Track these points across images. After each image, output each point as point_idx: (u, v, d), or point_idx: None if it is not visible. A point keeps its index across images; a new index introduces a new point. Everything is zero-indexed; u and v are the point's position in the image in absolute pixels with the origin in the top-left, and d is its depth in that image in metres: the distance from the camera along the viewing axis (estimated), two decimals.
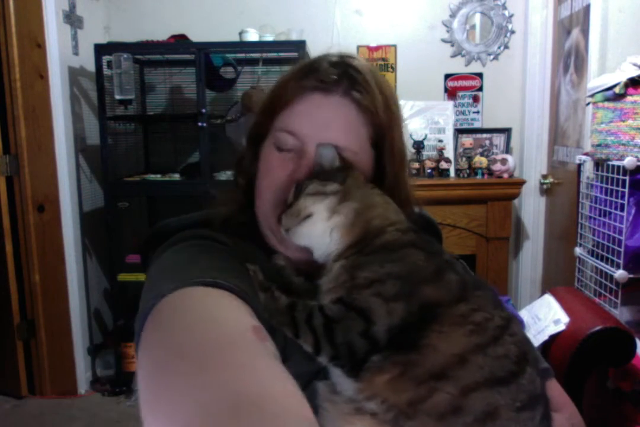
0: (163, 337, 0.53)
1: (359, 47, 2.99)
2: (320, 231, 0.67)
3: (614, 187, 1.83)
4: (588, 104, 2.11)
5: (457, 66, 3.00)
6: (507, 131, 2.94)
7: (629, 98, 1.78)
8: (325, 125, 0.72)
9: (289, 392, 0.47)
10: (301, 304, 0.61)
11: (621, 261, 1.77)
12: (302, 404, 0.46)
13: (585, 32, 2.26)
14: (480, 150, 2.90)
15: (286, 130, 0.73)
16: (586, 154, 2.08)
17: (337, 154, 0.70)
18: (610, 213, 1.88)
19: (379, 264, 0.62)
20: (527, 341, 0.63)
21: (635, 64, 1.79)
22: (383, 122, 0.74)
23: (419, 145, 2.79)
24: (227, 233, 0.77)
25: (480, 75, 2.99)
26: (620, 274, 1.77)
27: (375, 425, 0.55)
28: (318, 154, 0.70)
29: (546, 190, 2.87)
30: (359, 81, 0.73)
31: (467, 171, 2.76)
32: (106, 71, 2.60)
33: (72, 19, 2.67)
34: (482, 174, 2.74)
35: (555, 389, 0.77)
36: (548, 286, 2.59)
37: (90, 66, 2.67)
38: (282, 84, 0.75)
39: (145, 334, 0.56)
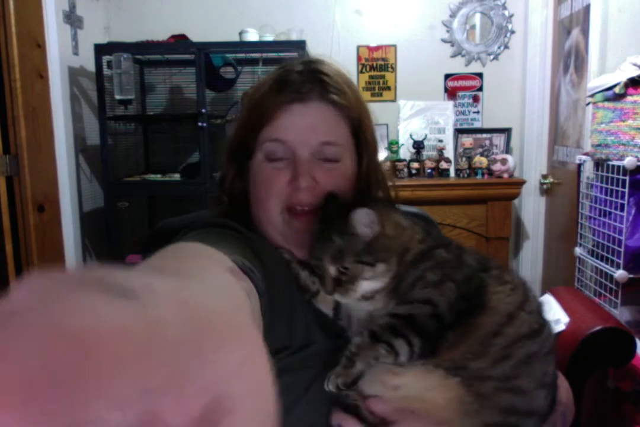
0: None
1: (359, 47, 2.99)
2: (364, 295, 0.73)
3: (614, 187, 1.83)
4: (588, 104, 2.11)
5: (457, 66, 3.00)
6: (507, 131, 2.94)
7: (629, 98, 1.78)
8: (310, 129, 0.77)
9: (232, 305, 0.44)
10: (376, 326, 0.66)
11: (621, 261, 1.77)
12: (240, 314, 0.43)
13: (585, 32, 2.26)
14: (480, 150, 2.90)
15: (274, 139, 0.77)
16: (586, 154, 2.08)
17: (374, 218, 0.70)
18: (610, 213, 1.88)
19: (413, 269, 0.70)
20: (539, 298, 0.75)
21: (635, 64, 1.79)
22: (357, 115, 0.81)
23: (419, 145, 2.79)
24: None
25: (480, 75, 2.99)
26: (620, 274, 1.76)
27: (426, 372, 0.65)
28: (354, 220, 0.69)
29: (546, 190, 2.87)
30: (330, 83, 0.79)
31: (467, 171, 2.76)
32: (106, 71, 2.60)
33: (72, 19, 2.67)
34: (482, 174, 2.74)
35: None
36: (548, 286, 2.59)
37: (90, 66, 2.67)
38: (259, 102, 0.79)
39: None
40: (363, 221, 0.68)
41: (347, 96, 0.79)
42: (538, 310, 0.71)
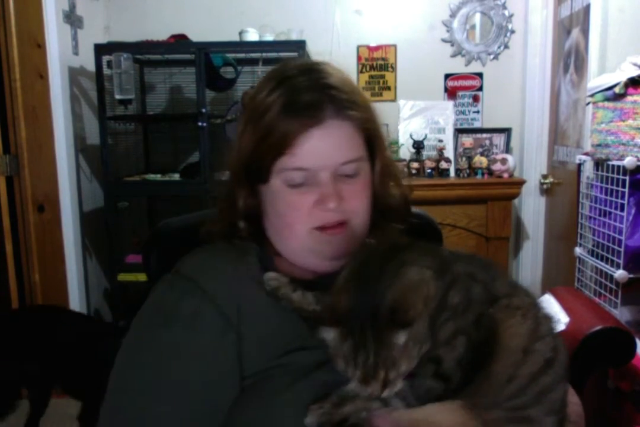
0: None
1: (359, 47, 2.99)
2: None
3: (614, 187, 1.83)
4: (588, 104, 2.11)
5: (457, 66, 3.00)
6: (507, 131, 2.94)
7: (629, 98, 1.78)
8: (330, 152, 0.75)
9: None
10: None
11: (621, 261, 1.77)
12: None
13: (585, 32, 2.26)
14: (480, 150, 2.90)
15: (296, 169, 0.75)
16: (586, 154, 2.08)
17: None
18: (610, 213, 1.88)
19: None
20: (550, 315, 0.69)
21: (635, 64, 1.79)
22: (369, 122, 0.79)
23: (419, 145, 2.79)
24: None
25: (480, 75, 2.99)
26: (620, 274, 1.76)
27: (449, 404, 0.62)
28: (397, 342, 0.62)
29: (546, 190, 2.87)
30: (341, 97, 0.75)
31: (467, 171, 2.76)
32: (106, 71, 2.60)
33: (72, 19, 2.67)
34: (482, 174, 2.74)
35: None
36: (548, 286, 2.59)
37: (90, 66, 2.67)
38: (272, 128, 0.75)
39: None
40: (403, 338, 0.61)
41: (360, 106, 0.77)
42: (550, 329, 0.66)
